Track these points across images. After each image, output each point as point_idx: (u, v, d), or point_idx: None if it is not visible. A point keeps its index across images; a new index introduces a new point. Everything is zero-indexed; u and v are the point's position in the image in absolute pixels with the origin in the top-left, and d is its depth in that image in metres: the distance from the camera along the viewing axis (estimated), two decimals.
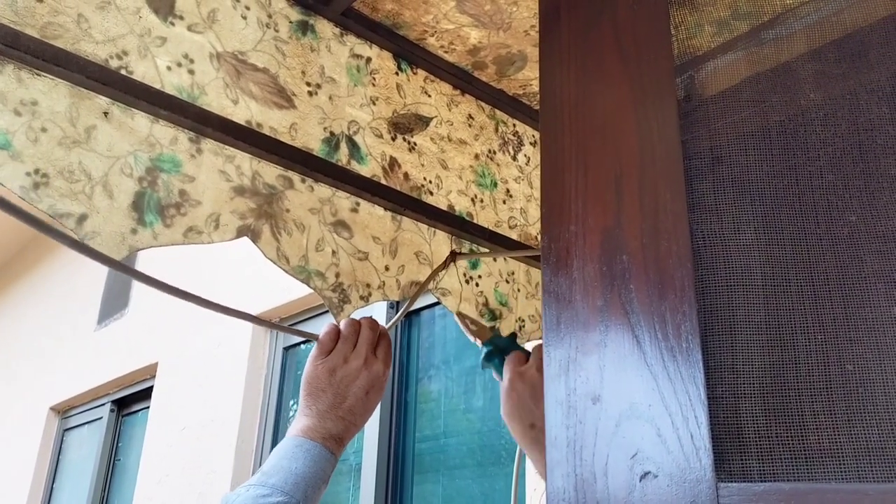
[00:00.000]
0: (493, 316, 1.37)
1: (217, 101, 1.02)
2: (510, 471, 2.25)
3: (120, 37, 0.95)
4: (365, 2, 1.19)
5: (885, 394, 0.56)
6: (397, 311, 2.85)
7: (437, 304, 1.31)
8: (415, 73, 1.31)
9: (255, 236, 1.03)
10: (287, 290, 3.21)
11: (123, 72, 0.94)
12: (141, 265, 4.66)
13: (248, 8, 1.09)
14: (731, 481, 0.53)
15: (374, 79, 1.24)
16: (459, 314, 1.28)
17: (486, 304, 1.36)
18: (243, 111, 1.04)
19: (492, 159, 1.41)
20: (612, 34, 0.73)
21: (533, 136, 1.51)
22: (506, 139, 1.45)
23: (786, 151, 0.65)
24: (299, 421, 1.00)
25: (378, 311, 2.86)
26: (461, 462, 2.55)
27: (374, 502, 2.63)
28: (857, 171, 0.63)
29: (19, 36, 0.85)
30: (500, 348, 1.17)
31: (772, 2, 0.72)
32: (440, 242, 1.29)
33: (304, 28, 1.15)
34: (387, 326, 1.13)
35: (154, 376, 4.17)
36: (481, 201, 1.36)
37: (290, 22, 1.14)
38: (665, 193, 0.63)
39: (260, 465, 3.25)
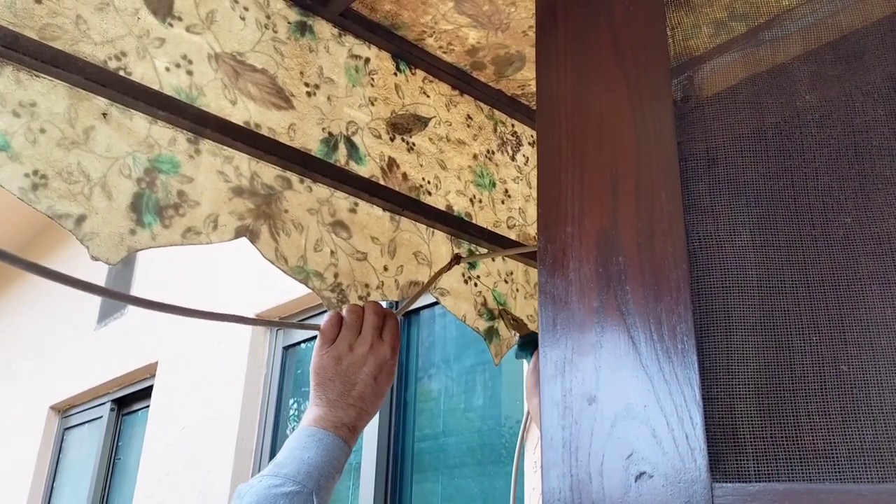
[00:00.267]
0: (492, 315, 1.37)
1: (215, 101, 1.02)
2: (509, 470, 2.25)
3: (118, 38, 0.95)
4: (363, 2, 1.20)
5: (880, 394, 0.57)
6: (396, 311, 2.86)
7: (437, 303, 1.31)
8: (413, 74, 1.31)
9: (253, 237, 1.03)
10: (286, 290, 3.21)
11: (122, 73, 0.94)
12: (140, 266, 4.66)
13: (246, 9, 1.09)
14: (726, 481, 0.54)
15: (372, 79, 1.24)
16: (502, 311, 1.36)
17: (484, 304, 1.36)
18: (242, 112, 1.04)
19: (490, 159, 1.41)
20: (609, 35, 0.73)
21: (531, 136, 1.51)
22: (504, 139, 1.45)
23: (781, 153, 0.65)
24: (311, 411, 0.99)
25: None
26: (461, 461, 2.55)
27: (373, 501, 2.63)
28: (852, 173, 0.63)
29: (18, 37, 0.86)
30: (534, 341, 1.27)
31: (767, 4, 0.72)
32: (439, 243, 1.29)
33: (302, 29, 1.16)
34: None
35: (154, 375, 4.17)
36: (480, 201, 1.36)
37: (289, 23, 1.14)
38: (661, 195, 0.63)
39: (260, 463, 3.26)
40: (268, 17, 1.11)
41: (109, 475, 4.53)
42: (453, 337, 2.73)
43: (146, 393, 4.27)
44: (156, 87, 0.97)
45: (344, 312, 1.05)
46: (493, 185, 1.40)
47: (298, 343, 3.45)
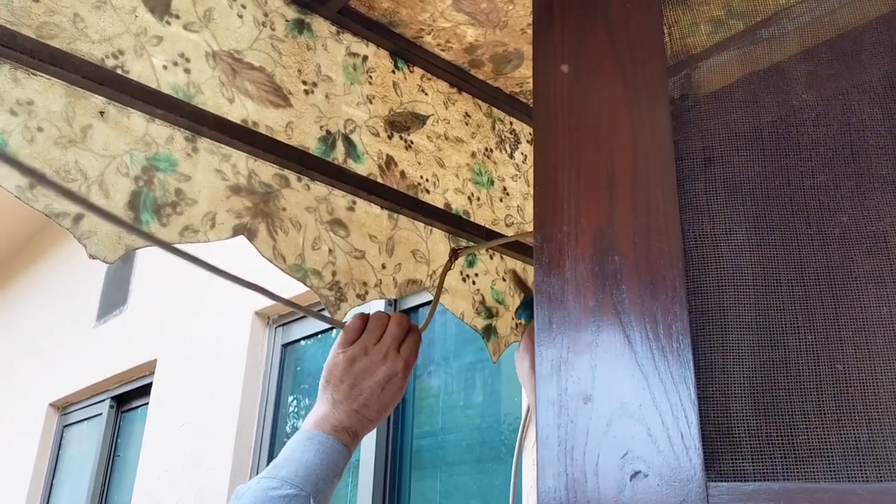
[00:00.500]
0: (490, 313, 1.37)
1: (213, 99, 1.02)
2: (509, 467, 2.25)
3: (116, 36, 0.95)
4: (361, 0, 1.19)
5: (875, 393, 0.57)
6: (395, 310, 2.86)
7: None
8: (411, 72, 1.31)
9: (251, 235, 1.03)
10: (285, 288, 3.21)
11: (119, 71, 0.94)
12: (139, 264, 4.66)
13: (244, 6, 1.09)
14: (721, 480, 0.54)
15: (370, 77, 1.24)
16: (512, 271, 1.39)
17: (482, 301, 1.36)
18: (239, 110, 1.04)
19: (489, 157, 1.41)
20: (606, 34, 0.73)
21: (530, 133, 1.51)
22: (503, 137, 1.45)
23: (777, 152, 0.65)
24: (314, 411, 0.99)
25: (376, 309, 2.86)
26: (460, 458, 2.56)
27: (372, 498, 2.63)
28: (848, 172, 0.63)
29: (15, 36, 0.85)
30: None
31: (764, 2, 0.72)
32: (437, 241, 1.29)
33: (300, 26, 1.15)
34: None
35: (153, 373, 4.17)
36: (478, 199, 1.36)
37: (287, 20, 1.14)
38: (657, 193, 0.63)
39: (259, 460, 3.26)
40: (265, 14, 1.11)
41: (109, 472, 4.53)
42: (452, 334, 2.73)
43: (145, 390, 4.27)
44: (153, 85, 0.97)
45: (370, 317, 1.05)
46: (492, 182, 1.40)
47: (298, 340, 3.45)
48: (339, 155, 1.16)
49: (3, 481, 5.49)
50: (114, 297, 4.86)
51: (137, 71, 0.96)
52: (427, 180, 1.28)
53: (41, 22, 0.89)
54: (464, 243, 1.33)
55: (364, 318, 1.05)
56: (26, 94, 0.87)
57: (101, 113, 0.93)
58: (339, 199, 1.16)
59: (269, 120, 1.07)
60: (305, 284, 1.10)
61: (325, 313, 1.14)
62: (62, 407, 5.25)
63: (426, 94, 1.32)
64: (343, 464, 0.95)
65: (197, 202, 0.98)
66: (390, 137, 1.25)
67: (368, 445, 2.70)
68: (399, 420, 2.75)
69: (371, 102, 1.23)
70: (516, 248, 1.38)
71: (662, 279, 0.60)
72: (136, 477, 3.98)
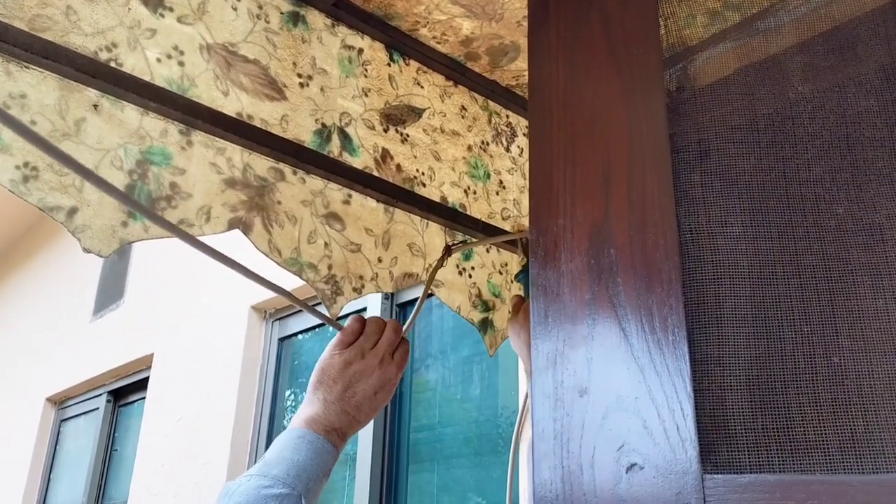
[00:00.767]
0: (487, 307, 1.37)
1: (207, 92, 1.01)
2: (506, 460, 2.25)
3: (109, 29, 0.94)
4: None
5: (871, 386, 0.57)
6: (392, 303, 2.86)
7: (432, 294, 1.31)
8: (407, 65, 1.31)
9: (246, 228, 1.03)
10: (280, 282, 3.20)
11: (113, 64, 0.94)
12: (135, 258, 4.65)
13: None
14: (717, 473, 0.54)
15: (366, 70, 1.23)
16: (519, 229, 1.39)
17: (479, 295, 1.36)
18: (234, 103, 1.04)
19: (485, 150, 1.41)
20: (601, 26, 0.72)
21: (526, 127, 1.50)
22: (499, 130, 1.45)
23: (773, 144, 0.65)
24: (304, 410, 1.00)
25: (372, 303, 2.86)
26: (457, 451, 2.56)
27: (369, 491, 2.64)
28: (844, 164, 0.63)
29: (7, 28, 0.85)
30: None
31: None
32: (433, 234, 1.29)
33: (295, 19, 1.15)
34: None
35: (150, 367, 4.17)
36: (474, 193, 1.36)
37: (281, 13, 1.13)
38: (653, 186, 0.63)
39: (255, 455, 3.26)
40: (260, 7, 1.11)
41: (106, 466, 4.54)
42: (449, 328, 2.73)
43: (142, 384, 4.27)
44: (147, 78, 0.96)
45: (367, 322, 1.07)
46: (488, 176, 1.40)
47: (294, 334, 3.45)
48: (334, 148, 1.15)
49: (1, 476, 5.49)
50: (110, 291, 4.85)
51: (131, 64, 0.95)
52: (423, 174, 1.28)
53: (33, 14, 0.88)
54: (460, 237, 1.33)
55: (361, 322, 1.07)
56: (19, 87, 0.87)
57: (95, 106, 0.92)
58: (335, 192, 1.15)
59: (263, 113, 1.07)
60: (301, 278, 1.09)
61: (322, 307, 1.14)
62: (59, 402, 5.25)
63: (422, 87, 1.32)
64: (332, 464, 0.96)
65: (192, 196, 0.98)
66: (386, 131, 1.24)
67: (366, 439, 2.71)
68: (396, 413, 2.75)
69: (366, 95, 1.22)
70: (510, 242, 1.38)
71: (658, 272, 0.60)
72: (133, 471, 3.98)
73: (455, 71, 1.35)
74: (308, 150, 1.11)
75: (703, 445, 0.55)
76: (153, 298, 4.33)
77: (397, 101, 1.27)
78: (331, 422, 0.98)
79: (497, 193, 1.41)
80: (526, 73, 1.39)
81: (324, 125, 1.15)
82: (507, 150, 1.45)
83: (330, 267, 1.12)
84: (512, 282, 1.43)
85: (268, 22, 1.11)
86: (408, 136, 1.27)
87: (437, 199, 1.28)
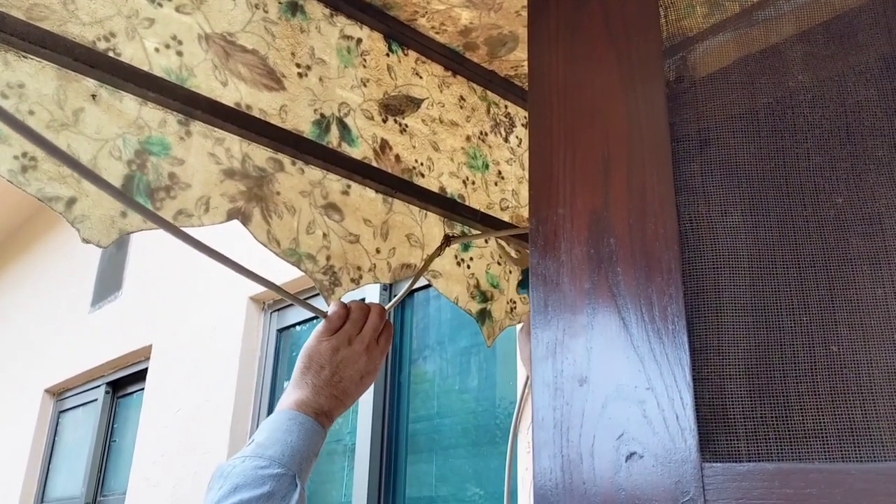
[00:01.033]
0: (485, 297, 1.37)
1: (206, 82, 1.01)
2: (504, 450, 2.26)
3: (107, 18, 0.94)
4: None
5: (869, 375, 0.57)
6: (390, 294, 2.86)
7: (430, 285, 1.32)
8: (406, 55, 1.30)
9: (245, 219, 1.03)
10: (280, 273, 3.20)
11: (111, 54, 0.93)
12: (133, 249, 4.65)
13: None
14: (716, 461, 0.54)
15: (364, 60, 1.23)
16: (508, 240, 1.39)
17: (477, 285, 1.36)
18: (232, 93, 1.04)
19: (483, 141, 1.40)
20: (601, 16, 0.72)
21: (525, 117, 1.50)
22: (497, 121, 1.45)
23: (773, 133, 0.65)
24: (291, 394, 1.02)
25: (371, 293, 2.86)
26: (455, 442, 2.57)
27: (367, 482, 2.65)
28: (844, 153, 0.63)
29: (5, 18, 0.85)
30: None
31: None
32: (432, 225, 1.29)
33: (293, 9, 1.15)
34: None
35: (148, 358, 4.17)
36: (473, 183, 1.36)
37: (280, 3, 1.13)
38: (652, 176, 0.63)
39: None
40: None
41: (105, 457, 4.54)
42: (447, 318, 2.73)
43: (141, 376, 4.27)
44: (145, 68, 0.96)
45: (351, 308, 1.09)
46: (487, 166, 1.40)
47: (293, 325, 3.45)
48: (333, 138, 1.15)
49: (0, 468, 5.49)
50: (108, 282, 4.85)
51: (129, 54, 0.95)
52: (422, 164, 1.27)
53: (31, 3, 0.88)
54: (459, 227, 1.33)
55: (346, 307, 1.08)
56: (17, 76, 0.86)
57: (94, 96, 0.92)
58: (334, 182, 1.15)
59: (262, 103, 1.07)
60: (300, 269, 1.09)
61: (320, 297, 1.14)
62: (58, 393, 5.25)
63: (420, 77, 1.32)
64: (320, 445, 0.99)
65: (191, 186, 0.98)
66: (385, 121, 1.24)
67: (364, 429, 2.71)
68: (394, 404, 2.75)
69: (365, 86, 1.22)
70: (510, 229, 1.38)
71: (658, 261, 0.60)
72: (132, 462, 3.99)
73: (453, 61, 1.35)
74: (307, 141, 1.11)
75: (703, 434, 0.55)
76: (151, 290, 4.33)
77: (396, 92, 1.27)
78: (320, 405, 1.00)
79: (496, 184, 1.41)
80: (524, 63, 1.39)
81: (322, 115, 1.14)
82: (506, 140, 1.45)
83: (328, 258, 1.12)
84: (510, 272, 1.43)
85: (266, 12, 1.11)
86: (406, 126, 1.27)
87: (435, 189, 1.28)
